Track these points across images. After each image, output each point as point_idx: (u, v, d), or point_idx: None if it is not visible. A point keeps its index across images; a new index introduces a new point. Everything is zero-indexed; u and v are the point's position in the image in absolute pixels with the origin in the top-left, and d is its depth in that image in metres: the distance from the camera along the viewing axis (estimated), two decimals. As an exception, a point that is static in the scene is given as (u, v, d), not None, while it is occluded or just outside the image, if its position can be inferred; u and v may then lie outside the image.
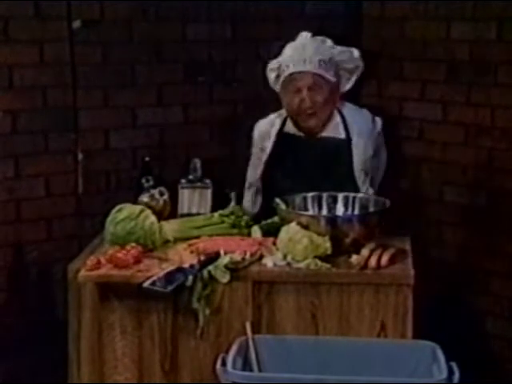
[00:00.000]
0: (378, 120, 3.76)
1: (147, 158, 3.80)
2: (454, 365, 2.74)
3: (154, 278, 3.01)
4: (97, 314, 3.13)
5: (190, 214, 3.69)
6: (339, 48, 3.68)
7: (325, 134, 3.69)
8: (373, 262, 3.09)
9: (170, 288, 2.98)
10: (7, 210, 3.70)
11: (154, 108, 3.96)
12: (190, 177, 3.80)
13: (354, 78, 3.73)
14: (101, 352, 3.16)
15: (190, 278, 3.02)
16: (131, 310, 3.13)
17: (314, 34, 3.72)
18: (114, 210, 3.35)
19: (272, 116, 3.81)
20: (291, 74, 3.63)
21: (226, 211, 3.50)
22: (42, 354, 3.71)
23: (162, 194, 3.62)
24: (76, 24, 3.70)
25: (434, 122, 4.02)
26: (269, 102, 4.07)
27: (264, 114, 3.88)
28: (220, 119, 4.11)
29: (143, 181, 3.69)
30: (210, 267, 3.06)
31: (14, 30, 3.58)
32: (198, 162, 3.80)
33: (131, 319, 3.13)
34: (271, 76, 3.73)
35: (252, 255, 3.16)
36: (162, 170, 3.94)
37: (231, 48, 4.07)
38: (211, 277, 3.05)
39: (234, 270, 3.07)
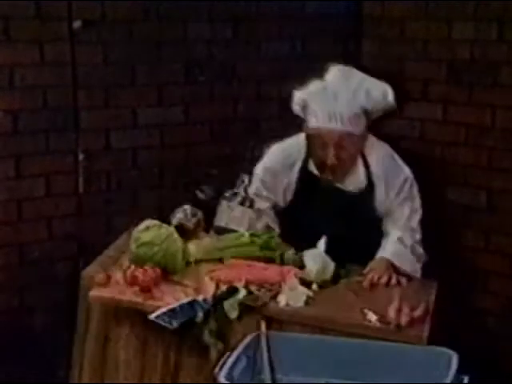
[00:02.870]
0: (405, 168, 3.58)
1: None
2: (465, 378, 2.65)
3: (163, 309, 2.95)
4: (103, 328, 3.09)
5: (225, 229, 3.54)
6: (374, 92, 3.44)
7: (345, 184, 3.51)
8: (393, 317, 2.96)
9: (175, 324, 2.92)
10: (8, 210, 3.69)
11: (154, 108, 3.95)
12: (236, 191, 3.61)
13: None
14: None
15: (200, 315, 2.94)
16: (137, 336, 3.07)
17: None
18: (141, 226, 3.26)
19: (288, 145, 3.60)
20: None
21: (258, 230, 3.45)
22: (41, 354, 3.71)
23: (194, 215, 3.56)
24: (76, 24, 3.69)
25: (434, 122, 4.02)
26: (269, 101, 4.09)
27: (264, 116, 3.88)
28: (220, 119, 4.11)
29: (197, 192, 3.68)
30: (224, 302, 2.99)
31: (14, 29, 3.57)
32: (246, 177, 3.62)
33: (136, 346, 3.08)
34: (296, 108, 3.52)
35: (270, 290, 3.09)
36: (162, 170, 3.95)
37: (232, 47, 4.06)
38: (222, 311, 2.97)
39: (247, 306, 2.99)
